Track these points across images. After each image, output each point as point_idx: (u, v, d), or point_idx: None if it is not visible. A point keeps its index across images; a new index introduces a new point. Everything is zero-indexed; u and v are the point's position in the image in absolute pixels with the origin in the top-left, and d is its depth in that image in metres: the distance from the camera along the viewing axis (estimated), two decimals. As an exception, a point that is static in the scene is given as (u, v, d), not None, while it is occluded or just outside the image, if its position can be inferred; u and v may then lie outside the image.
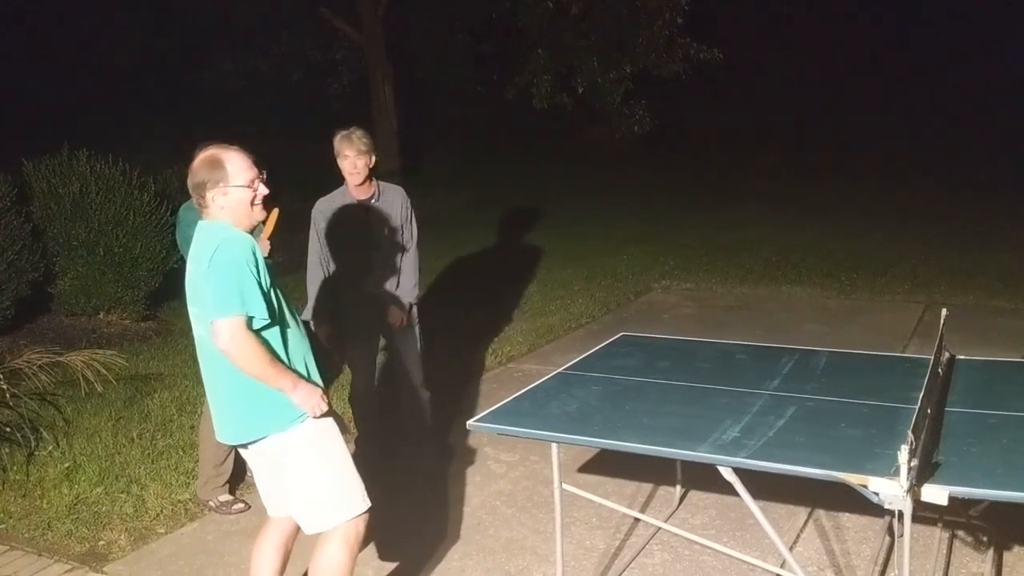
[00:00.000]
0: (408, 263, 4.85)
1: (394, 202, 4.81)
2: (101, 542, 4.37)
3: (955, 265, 9.42)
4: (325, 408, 3.08)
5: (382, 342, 5.02)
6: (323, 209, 4.74)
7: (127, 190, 8.13)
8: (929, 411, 3.16)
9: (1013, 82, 18.90)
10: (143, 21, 16.70)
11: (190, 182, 3.05)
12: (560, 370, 4.15)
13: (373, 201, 4.75)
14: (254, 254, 2.96)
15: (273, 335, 3.01)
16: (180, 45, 16.80)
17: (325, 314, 4.73)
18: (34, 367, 5.70)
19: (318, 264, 4.76)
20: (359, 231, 4.71)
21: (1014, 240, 10.27)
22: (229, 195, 2.98)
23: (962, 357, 4.09)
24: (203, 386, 3.21)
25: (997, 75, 19.45)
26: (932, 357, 3.57)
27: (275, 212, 3.91)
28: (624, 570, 3.91)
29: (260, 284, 2.92)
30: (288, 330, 3.07)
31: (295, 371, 3.04)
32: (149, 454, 5.23)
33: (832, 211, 12.61)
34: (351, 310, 4.77)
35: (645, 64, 13.60)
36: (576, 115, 14.89)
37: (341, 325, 4.80)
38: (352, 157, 4.61)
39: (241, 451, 3.26)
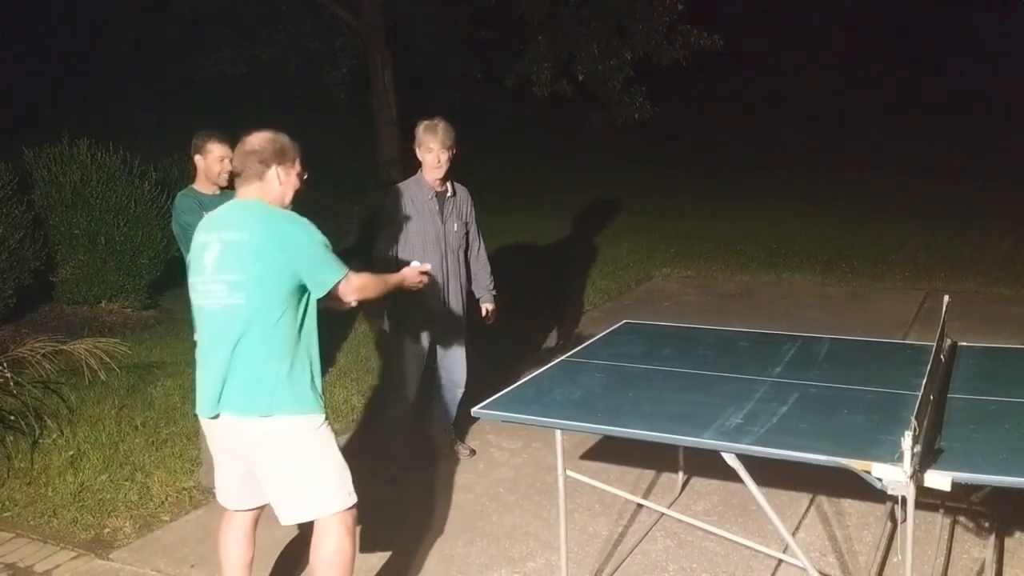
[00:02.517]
0: (481, 261, 4.89)
1: (464, 200, 4.78)
2: (106, 529, 4.40)
3: (956, 252, 9.44)
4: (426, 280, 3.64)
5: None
6: (398, 197, 4.61)
7: (128, 179, 8.13)
8: (932, 397, 3.17)
9: (1014, 71, 18.87)
10: (143, 8, 16.64)
11: (247, 150, 3.13)
12: (563, 357, 4.16)
13: (448, 195, 4.67)
14: None
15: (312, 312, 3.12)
16: (180, 33, 16.75)
17: (382, 307, 4.61)
18: (37, 355, 5.71)
19: (387, 255, 4.56)
20: (432, 225, 4.61)
21: (1015, 227, 10.28)
22: (291, 176, 3.19)
23: (964, 344, 4.10)
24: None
25: (999, 65, 19.40)
26: (934, 344, 3.58)
27: None
28: (627, 556, 3.93)
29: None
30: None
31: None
32: (153, 442, 5.25)
33: (833, 199, 12.63)
34: (413, 306, 4.53)
35: (645, 51, 13.55)
36: (577, 103, 14.84)
37: (398, 320, 4.68)
38: (436, 151, 4.48)
39: (219, 430, 3.09)
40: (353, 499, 3.12)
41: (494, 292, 4.96)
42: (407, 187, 4.64)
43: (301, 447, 3.05)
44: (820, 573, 3.46)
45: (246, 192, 3.15)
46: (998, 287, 8.20)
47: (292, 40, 16.44)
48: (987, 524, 3.90)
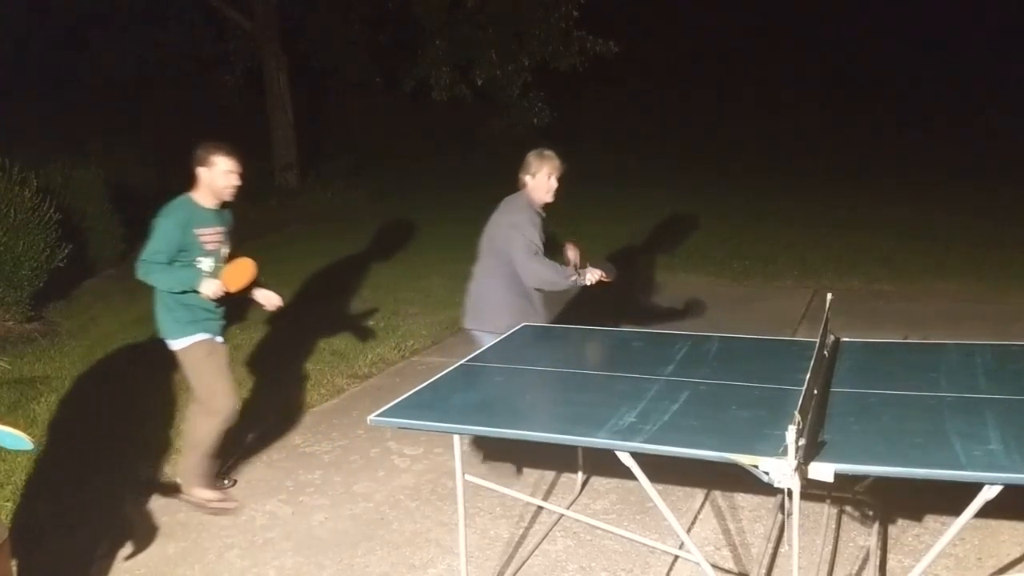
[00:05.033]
0: None
1: None
2: (-15, 554, 4.18)
3: (841, 251, 9.84)
4: None
5: None
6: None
7: (7, 186, 7.77)
8: (815, 392, 3.29)
9: (896, 70, 19.77)
10: (27, 6, 15.91)
11: None
12: (462, 362, 4.16)
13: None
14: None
15: None
16: (65, 33, 16.10)
17: None
18: (-91, 373, 5.41)
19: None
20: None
21: (895, 226, 10.78)
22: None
23: (846, 339, 4.27)
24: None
25: (881, 64, 20.29)
26: (818, 340, 3.71)
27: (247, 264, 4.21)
28: (528, 558, 3.95)
29: None
30: None
31: None
32: (36, 460, 5.02)
33: (725, 201, 12.97)
34: None
35: (543, 56, 13.70)
36: (476, 107, 14.90)
37: None
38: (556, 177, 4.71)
39: None
40: None
41: None
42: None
43: None
44: (714, 567, 3.54)
45: None
46: (880, 284, 8.60)
47: (183, 42, 16.02)
48: (871, 513, 4.06)
